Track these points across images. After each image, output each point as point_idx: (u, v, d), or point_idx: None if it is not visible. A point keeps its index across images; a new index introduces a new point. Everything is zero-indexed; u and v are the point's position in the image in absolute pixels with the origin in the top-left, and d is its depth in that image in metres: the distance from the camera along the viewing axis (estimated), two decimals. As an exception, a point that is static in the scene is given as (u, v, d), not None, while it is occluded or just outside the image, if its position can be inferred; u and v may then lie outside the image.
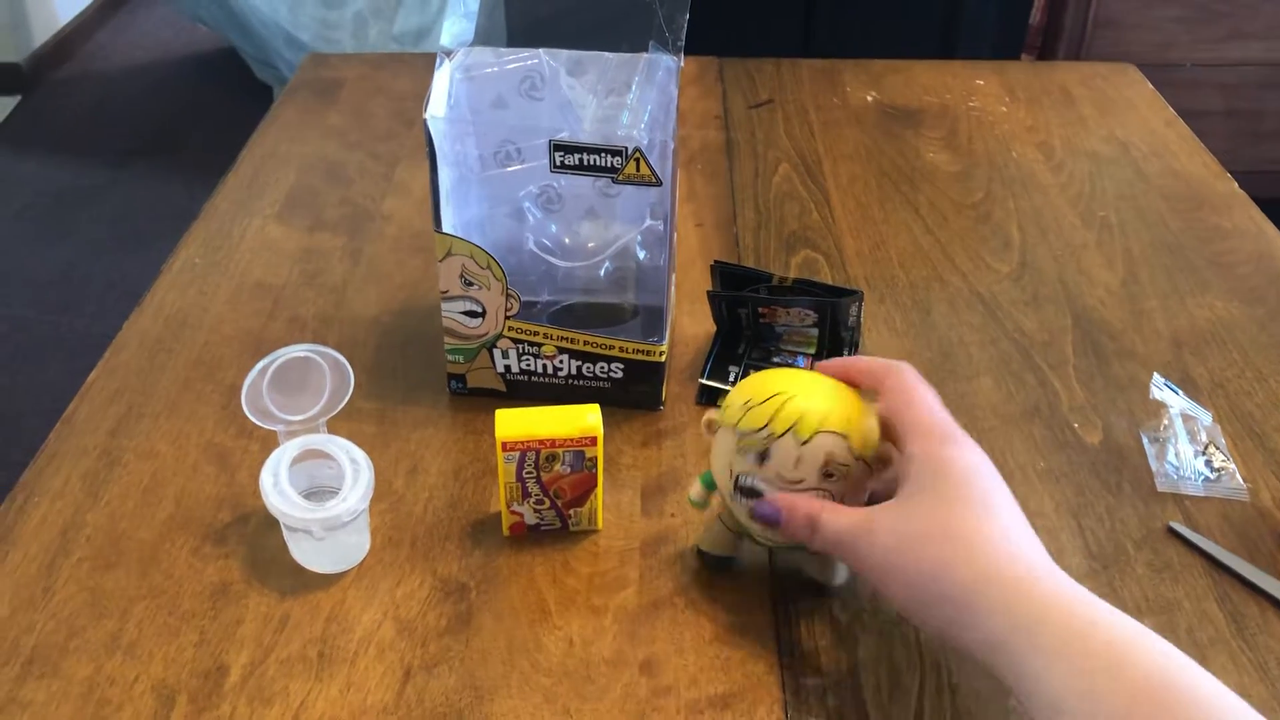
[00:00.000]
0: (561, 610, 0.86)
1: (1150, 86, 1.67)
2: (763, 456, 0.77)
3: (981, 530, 0.69)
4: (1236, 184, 1.42)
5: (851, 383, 0.81)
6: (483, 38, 1.01)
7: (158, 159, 3.67)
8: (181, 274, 1.23)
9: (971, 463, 0.73)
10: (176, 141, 3.78)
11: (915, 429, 0.75)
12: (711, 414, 0.81)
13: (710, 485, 0.85)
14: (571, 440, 0.86)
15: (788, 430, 0.76)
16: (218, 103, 3.96)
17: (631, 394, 1.03)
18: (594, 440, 0.86)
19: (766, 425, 0.76)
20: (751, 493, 0.78)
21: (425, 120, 0.93)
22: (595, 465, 0.88)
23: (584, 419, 0.86)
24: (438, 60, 0.97)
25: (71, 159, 3.71)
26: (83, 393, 1.06)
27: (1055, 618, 0.64)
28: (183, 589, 0.87)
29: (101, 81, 4.26)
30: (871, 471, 0.79)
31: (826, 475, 0.77)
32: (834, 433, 0.76)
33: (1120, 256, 1.28)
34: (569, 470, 0.88)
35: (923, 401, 0.77)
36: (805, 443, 0.76)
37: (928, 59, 1.74)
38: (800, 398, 0.77)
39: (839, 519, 0.75)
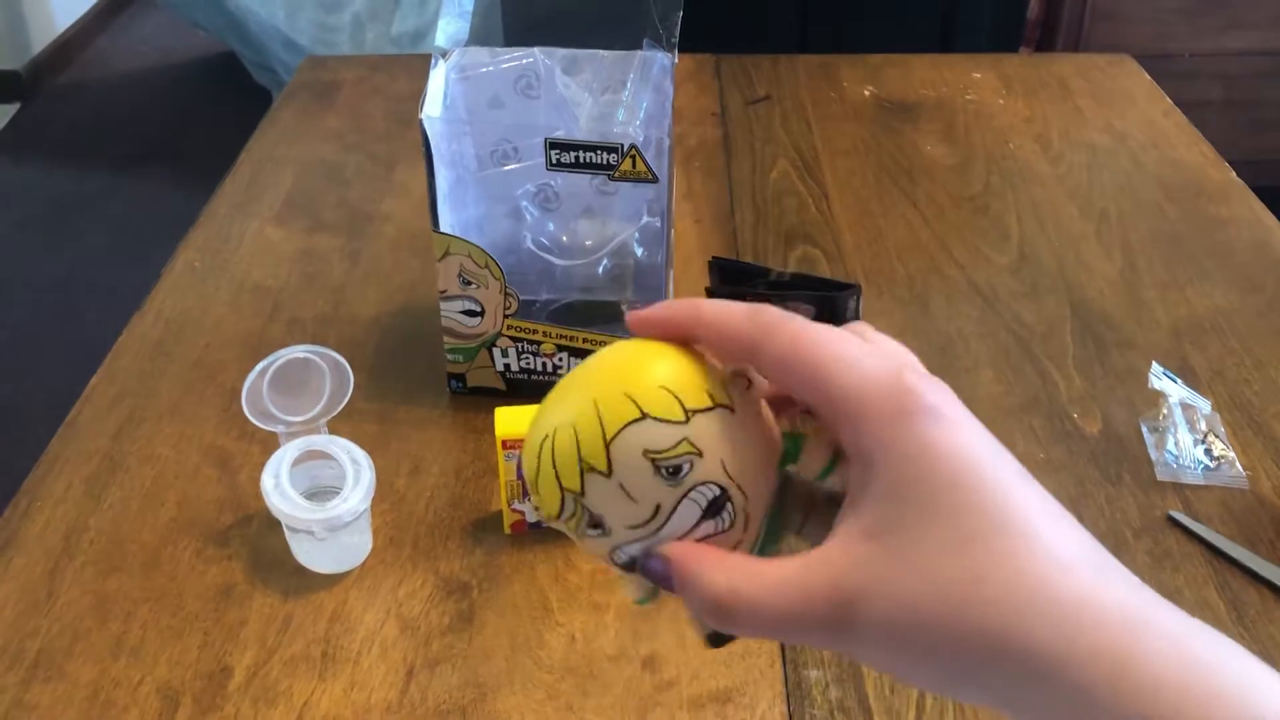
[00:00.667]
0: (564, 607, 0.86)
1: (1147, 77, 1.67)
2: (595, 524, 0.48)
3: (1018, 564, 0.42)
4: (1234, 173, 1.43)
5: (685, 343, 0.50)
6: (479, 37, 1.02)
7: (157, 164, 3.67)
8: (181, 277, 1.23)
9: (960, 444, 0.43)
10: (176, 147, 3.78)
11: (847, 402, 0.44)
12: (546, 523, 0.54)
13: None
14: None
15: (581, 472, 0.47)
16: (217, 107, 3.96)
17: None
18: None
19: (562, 493, 0.48)
20: (630, 566, 0.50)
21: (421, 120, 0.93)
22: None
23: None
24: (433, 60, 0.97)
25: (71, 165, 3.71)
26: (84, 397, 1.06)
27: (1157, 661, 0.41)
28: (186, 591, 0.87)
29: (100, 88, 4.27)
30: (745, 409, 0.49)
31: (674, 475, 0.47)
32: (630, 423, 0.47)
33: (1119, 247, 1.28)
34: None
35: (833, 349, 0.45)
36: (610, 467, 0.47)
37: (925, 54, 1.74)
38: (553, 411, 0.49)
39: (781, 590, 0.44)
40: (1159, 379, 1.04)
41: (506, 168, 1.03)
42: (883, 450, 0.43)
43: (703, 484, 0.47)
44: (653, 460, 0.47)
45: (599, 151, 0.94)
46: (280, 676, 0.81)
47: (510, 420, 0.87)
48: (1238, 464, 0.98)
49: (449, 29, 0.99)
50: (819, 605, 0.43)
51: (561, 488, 0.48)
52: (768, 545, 0.50)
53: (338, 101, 1.61)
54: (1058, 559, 0.42)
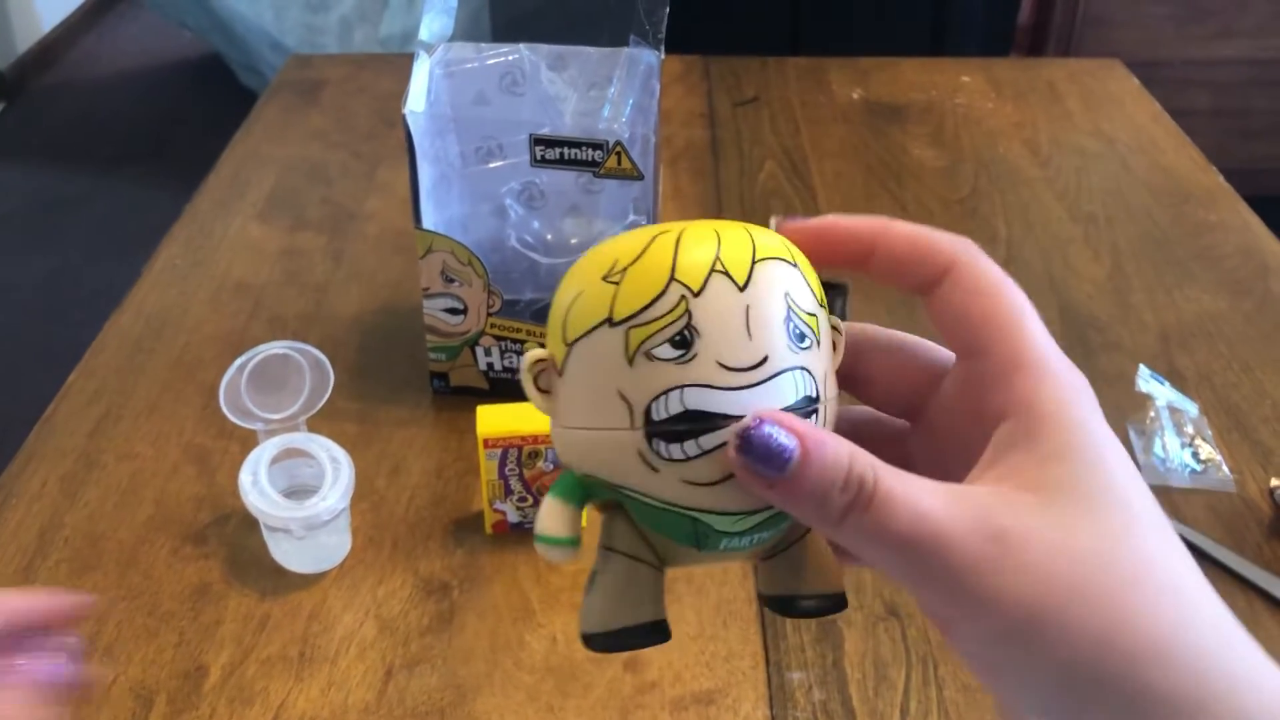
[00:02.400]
0: (545, 608, 0.85)
1: (1136, 82, 1.67)
2: (682, 341, 0.39)
3: (1183, 571, 0.39)
4: (1222, 178, 1.42)
5: (852, 262, 0.44)
6: (466, 32, 1.01)
7: (143, 165, 3.66)
8: (162, 275, 1.22)
9: (1123, 453, 0.40)
10: (162, 148, 3.77)
11: (1037, 351, 0.40)
12: (535, 352, 0.42)
13: (574, 495, 0.43)
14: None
15: (710, 271, 0.39)
16: (203, 108, 3.95)
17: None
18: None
19: (670, 281, 0.39)
20: (696, 419, 0.38)
21: (404, 115, 0.92)
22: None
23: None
24: (416, 55, 0.97)
25: (56, 166, 3.69)
26: (62, 394, 1.05)
27: None
28: (162, 590, 0.86)
29: (86, 88, 4.25)
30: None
31: (799, 341, 0.40)
32: (782, 260, 0.41)
33: (1107, 250, 1.27)
34: (552, 467, 0.87)
35: (1033, 320, 0.42)
36: (748, 283, 0.39)
37: (915, 57, 1.74)
38: (696, 224, 0.41)
39: (923, 495, 0.37)
40: (1146, 382, 1.04)
41: (491, 165, 1.02)
42: (1064, 412, 0.40)
43: (809, 374, 0.40)
44: (790, 308, 0.40)
45: (584, 148, 0.93)
46: (256, 676, 0.80)
47: (492, 419, 0.86)
48: (1225, 467, 0.97)
49: (433, 25, 0.98)
50: (969, 531, 0.37)
51: (673, 277, 0.39)
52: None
53: (322, 100, 1.60)
54: (1207, 592, 0.39)
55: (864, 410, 0.48)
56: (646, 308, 0.39)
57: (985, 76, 1.68)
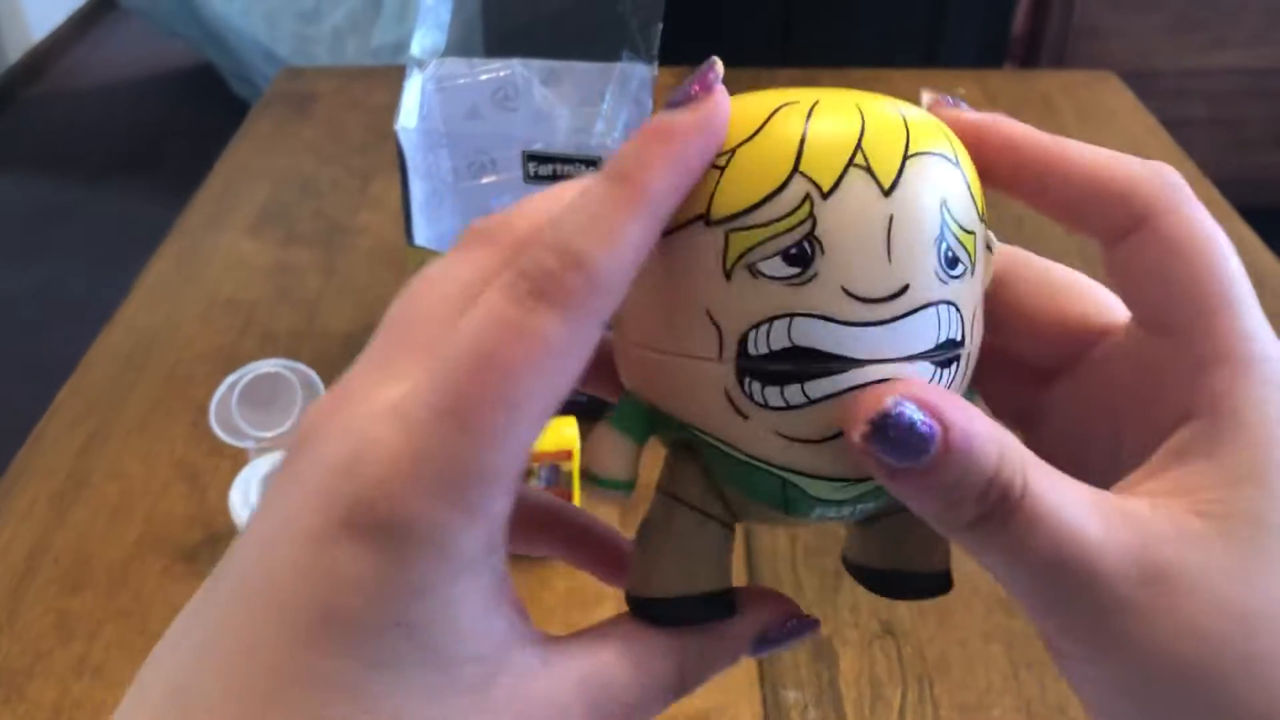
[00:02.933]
0: (539, 626, 0.84)
1: (1131, 95, 1.67)
2: (800, 256, 0.30)
3: None
4: (1217, 191, 1.42)
5: (1015, 184, 0.36)
6: (459, 47, 1.00)
7: (133, 176, 3.65)
8: (152, 290, 1.21)
9: None
10: (153, 159, 3.76)
11: (1242, 339, 0.31)
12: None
13: (637, 428, 0.34)
14: (547, 454, 0.85)
15: (848, 164, 0.30)
16: (194, 119, 3.94)
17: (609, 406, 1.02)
18: (569, 454, 0.85)
19: (793, 173, 0.30)
20: (805, 359, 0.30)
21: (396, 131, 0.92)
22: (571, 479, 0.86)
23: (560, 432, 0.85)
24: (408, 70, 0.96)
25: (46, 176, 3.68)
26: (51, 412, 1.04)
27: None
28: (152, 610, 0.86)
29: (77, 98, 4.24)
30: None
31: (951, 267, 0.31)
32: (943, 156, 0.32)
33: (1102, 265, 1.27)
34: (544, 484, 0.86)
35: (1246, 298, 0.32)
36: (896, 185, 0.30)
37: (909, 68, 1.73)
38: (833, 94, 0.33)
39: (1076, 510, 0.30)
40: (1143, 398, 1.03)
41: (483, 180, 1.02)
42: (1274, 424, 0.30)
43: (957, 310, 0.31)
44: (945, 222, 0.31)
45: (577, 164, 0.93)
46: (247, 698, 0.79)
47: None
48: (1222, 484, 0.97)
49: (425, 40, 0.98)
50: (1125, 563, 0.29)
51: (797, 169, 0.30)
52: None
53: (314, 113, 1.60)
54: None
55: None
56: (757, 206, 0.30)
57: (979, 88, 1.67)
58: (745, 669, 0.81)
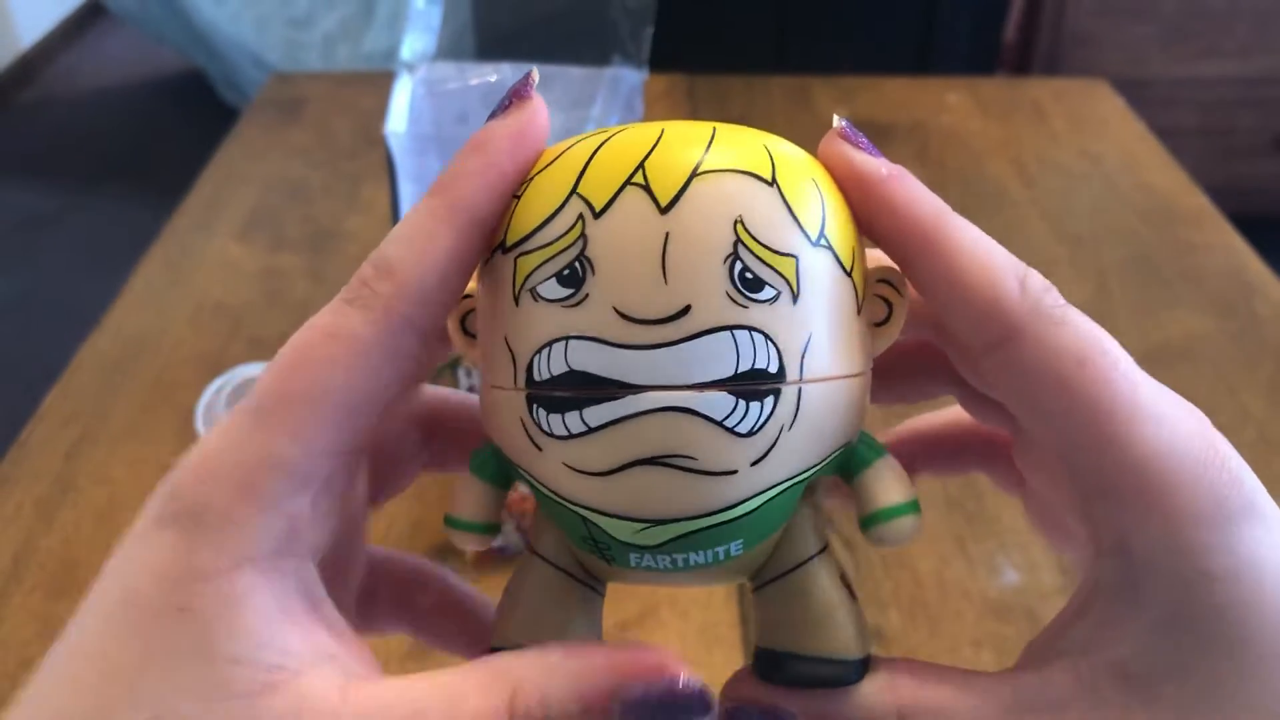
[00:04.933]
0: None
1: (1121, 102, 1.67)
2: (571, 277, 0.29)
3: None
4: (1207, 198, 1.42)
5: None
6: (449, 51, 1.00)
7: (122, 182, 3.64)
8: (140, 295, 1.21)
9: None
10: (141, 164, 3.75)
11: (1143, 474, 0.29)
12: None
13: (488, 471, 0.34)
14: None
15: (625, 183, 0.29)
16: (184, 124, 3.93)
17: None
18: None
19: (570, 194, 0.30)
20: (583, 384, 0.29)
21: (386, 135, 0.91)
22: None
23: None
24: (397, 74, 0.96)
25: (35, 183, 3.67)
26: (37, 417, 1.03)
27: None
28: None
29: (65, 105, 4.23)
30: (862, 302, 0.32)
31: (751, 290, 0.29)
32: (746, 174, 0.30)
33: (1092, 271, 1.27)
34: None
35: (1135, 384, 0.30)
36: (675, 202, 0.29)
37: (900, 76, 1.73)
38: (672, 124, 0.31)
39: (967, 699, 0.30)
40: (1134, 405, 1.03)
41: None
42: (1181, 559, 0.28)
43: (766, 338, 0.29)
44: (739, 240, 0.29)
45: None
46: (233, 705, 0.79)
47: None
48: (1214, 491, 0.96)
49: (415, 43, 0.97)
50: None
51: (575, 190, 0.29)
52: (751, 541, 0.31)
53: (304, 117, 1.59)
54: None
55: (954, 415, 0.38)
56: (538, 230, 0.30)
57: (971, 95, 1.67)
58: (735, 666, 0.81)
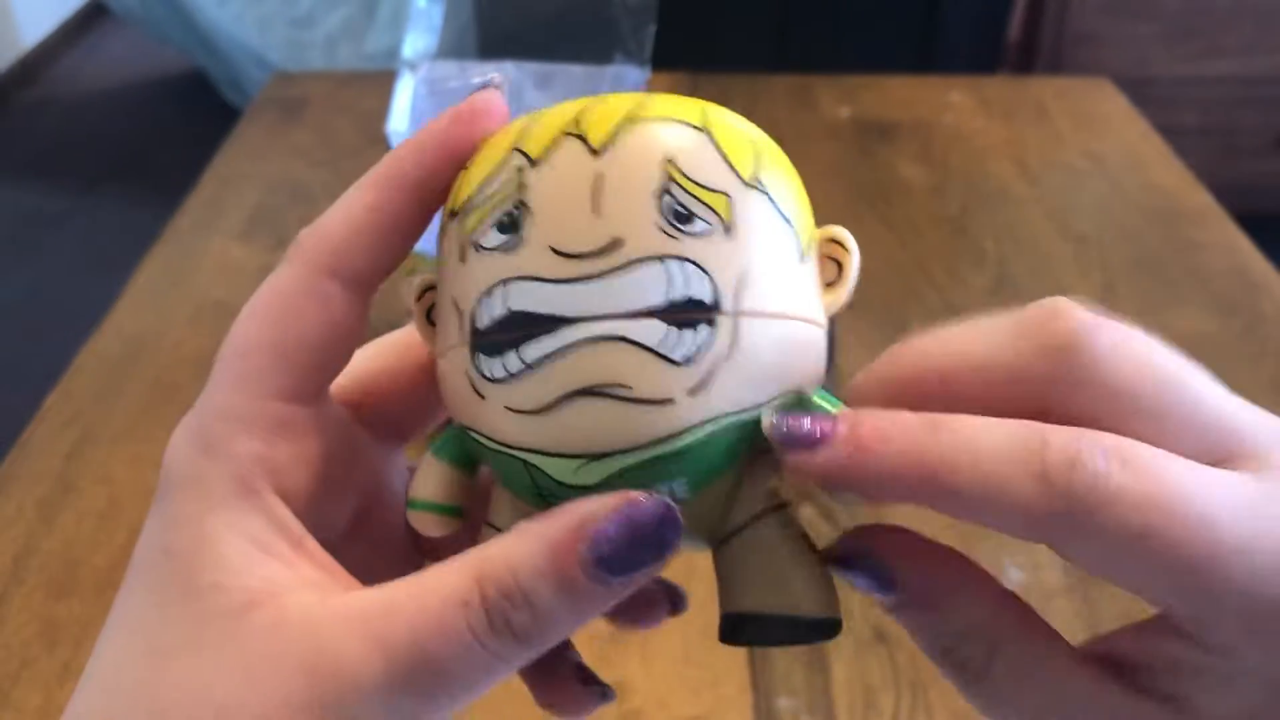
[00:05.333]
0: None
1: (1125, 101, 1.66)
2: (510, 223, 0.30)
3: None
4: (1211, 197, 1.42)
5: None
6: (451, 50, 1.00)
7: (124, 183, 3.64)
8: (141, 295, 1.21)
9: None
10: (143, 165, 3.75)
11: (1238, 599, 0.27)
12: (426, 277, 0.35)
13: (450, 450, 0.34)
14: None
15: (561, 134, 0.30)
16: (186, 125, 3.93)
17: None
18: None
19: (511, 151, 0.31)
20: (522, 324, 0.30)
21: (387, 134, 0.91)
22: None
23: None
24: (399, 73, 0.96)
25: (37, 183, 3.67)
26: (39, 417, 1.03)
27: None
28: (138, 616, 0.85)
29: (68, 105, 4.23)
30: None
31: (681, 222, 0.30)
32: (678, 121, 0.31)
33: (1097, 269, 1.27)
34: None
35: (1194, 519, 0.27)
36: (606, 146, 0.30)
37: (904, 74, 1.73)
38: (624, 95, 0.33)
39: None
40: (1138, 403, 1.02)
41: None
42: None
43: (698, 268, 0.29)
44: (670, 177, 0.29)
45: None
46: (234, 706, 0.78)
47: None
48: (1218, 490, 0.96)
49: (418, 42, 0.97)
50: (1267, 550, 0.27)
51: (515, 148, 0.31)
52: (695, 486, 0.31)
53: (305, 117, 1.59)
54: None
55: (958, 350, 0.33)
56: (481, 189, 0.31)
57: (974, 94, 1.67)
58: (737, 677, 0.81)
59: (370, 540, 0.36)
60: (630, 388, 0.29)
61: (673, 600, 0.35)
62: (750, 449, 0.31)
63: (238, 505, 0.31)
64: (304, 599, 0.29)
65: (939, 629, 0.32)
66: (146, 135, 3.98)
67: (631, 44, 0.95)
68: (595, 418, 0.29)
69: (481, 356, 0.30)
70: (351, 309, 0.33)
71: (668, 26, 1.02)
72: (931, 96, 1.66)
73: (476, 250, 0.30)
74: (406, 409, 0.38)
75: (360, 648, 0.28)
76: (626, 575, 0.28)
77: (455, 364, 0.31)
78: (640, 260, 0.29)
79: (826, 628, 0.31)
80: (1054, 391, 0.30)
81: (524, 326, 0.29)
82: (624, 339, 0.29)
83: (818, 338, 0.32)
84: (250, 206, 1.37)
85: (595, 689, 0.36)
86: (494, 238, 0.30)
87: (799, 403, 0.31)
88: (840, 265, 0.34)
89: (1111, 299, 1.21)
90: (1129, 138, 1.57)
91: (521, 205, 0.30)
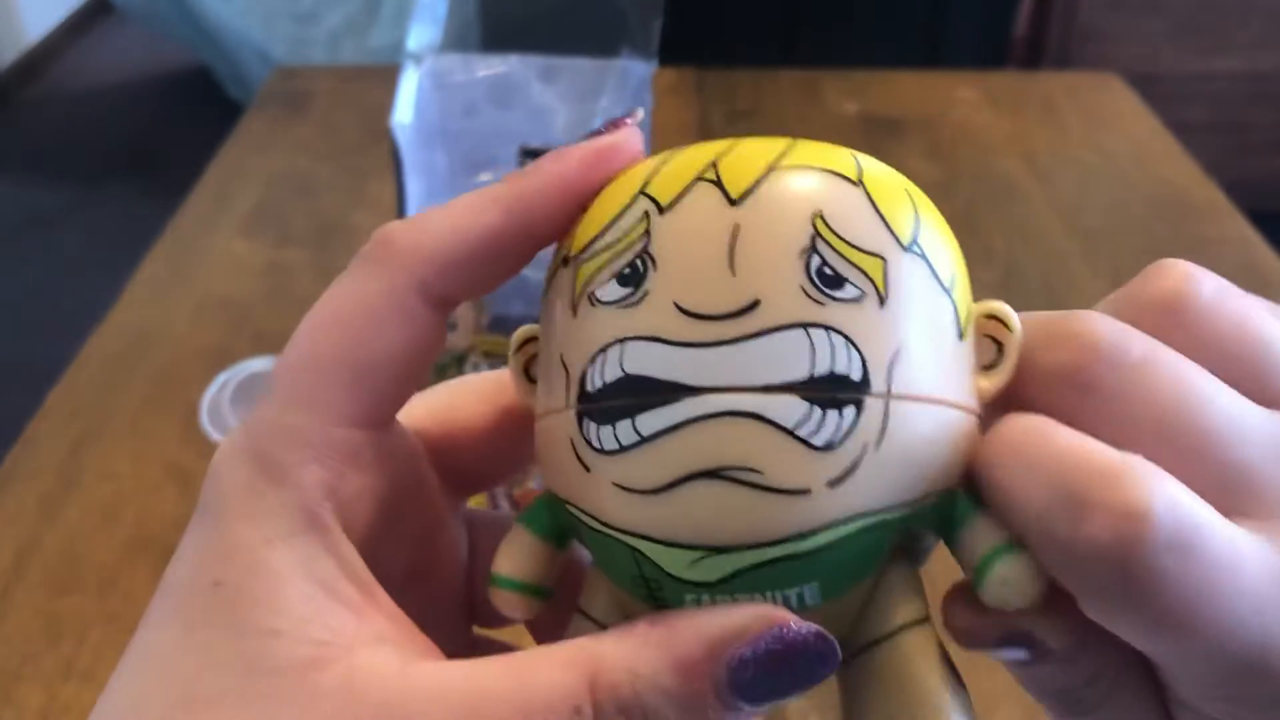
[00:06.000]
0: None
1: (1134, 97, 1.66)
2: (631, 275, 0.27)
3: None
4: (1221, 192, 1.41)
5: None
6: (456, 43, 0.99)
7: (128, 179, 3.63)
8: (145, 290, 1.20)
9: None
10: (148, 161, 3.74)
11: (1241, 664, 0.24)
12: (527, 329, 0.32)
13: (540, 523, 0.30)
14: (544, 456, 0.83)
15: (695, 179, 0.27)
16: (190, 121, 3.92)
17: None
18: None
19: (637, 194, 0.28)
20: (640, 390, 0.26)
21: (392, 127, 0.90)
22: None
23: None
24: (404, 66, 0.95)
25: (41, 179, 3.67)
26: (42, 413, 1.03)
27: None
28: (142, 613, 0.84)
29: (72, 101, 4.23)
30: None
31: (830, 286, 0.26)
32: (828, 171, 0.27)
33: (1106, 265, 1.26)
34: (540, 487, 0.85)
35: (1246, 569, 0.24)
36: (747, 195, 0.26)
37: (912, 69, 1.72)
38: (776, 140, 0.29)
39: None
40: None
41: (480, 177, 1.00)
42: None
43: (845, 339, 0.25)
44: (816, 234, 0.26)
45: (575, 161, 0.92)
46: (237, 704, 0.78)
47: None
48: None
49: (421, 36, 0.96)
50: None
51: (642, 191, 0.27)
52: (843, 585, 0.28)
53: (309, 112, 1.59)
54: None
55: None
56: (601, 234, 0.27)
57: (982, 90, 1.66)
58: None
59: (422, 596, 0.31)
60: (761, 473, 0.25)
61: None
62: (890, 553, 0.28)
63: (304, 540, 0.27)
64: (378, 662, 0.26)
65: (1069, 678, 0.28)
66: (150, 131, 3.98)
67: (638, 37, 0.95)
68: (718, 505, 0.25)
69: (590, 424, 0.26)
70: (434, 330, 0.29)
71: (675, 20, 1.01)
72: (939, 92, 1.65)
73: (592, 303, 0.27)
74: (485, 458, 0.34)
75: None
76: (764, 705, 0.25)
77: (558, 429, 0.27)
78: (780, 328, 0.25)
79: None
80: None
81: (642, 393, 0.26)
82: (757, 416, 0.25)
83: (972, 428, 0.28)
84: (254, 202, 1.37)
85: None
86: (613, 290, 0.26)
87: (946, 509, 0.27)
88: (1000, 345, 0.29)
89: (1121, 295, 1.21)
90: (1138, 134, 1.56)
91: (646, 256, 0.26)
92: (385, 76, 1.68)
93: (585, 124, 0.96)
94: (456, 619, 0.34)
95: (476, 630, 0.35)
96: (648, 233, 0.26)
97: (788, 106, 1.60)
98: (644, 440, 0.25)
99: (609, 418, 0.26)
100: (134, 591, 0.86)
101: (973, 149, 1.50)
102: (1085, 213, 1.37)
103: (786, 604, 0.27)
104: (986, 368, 0.28)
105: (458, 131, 1.00)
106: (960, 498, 0.27)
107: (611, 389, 0.26)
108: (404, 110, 0.92)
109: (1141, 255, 1.26)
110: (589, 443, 0.26)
